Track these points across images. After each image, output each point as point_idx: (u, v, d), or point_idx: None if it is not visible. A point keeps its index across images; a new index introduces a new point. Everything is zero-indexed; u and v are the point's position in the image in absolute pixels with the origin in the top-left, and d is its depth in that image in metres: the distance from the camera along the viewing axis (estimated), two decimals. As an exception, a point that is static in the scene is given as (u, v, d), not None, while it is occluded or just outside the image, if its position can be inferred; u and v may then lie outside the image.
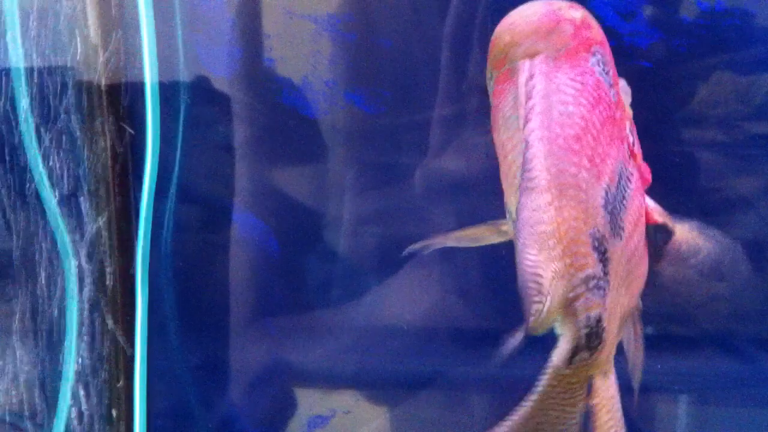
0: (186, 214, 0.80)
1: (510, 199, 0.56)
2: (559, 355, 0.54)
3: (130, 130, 0.77)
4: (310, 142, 0.77)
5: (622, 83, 0.59)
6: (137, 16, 0.74)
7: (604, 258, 0.55)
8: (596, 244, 0.54)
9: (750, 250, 0.71)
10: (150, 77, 0.75)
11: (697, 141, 0.73)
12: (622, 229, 0.56)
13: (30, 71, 0.73)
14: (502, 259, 0.63)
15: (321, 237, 0.79)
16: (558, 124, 0.53)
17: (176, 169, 0.78)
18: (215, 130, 0.78)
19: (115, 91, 0.77)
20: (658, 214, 0.60)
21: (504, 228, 0.61)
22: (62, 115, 0.75)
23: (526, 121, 0.52)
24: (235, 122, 0.77)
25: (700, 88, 0.71)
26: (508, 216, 0.58)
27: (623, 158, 0.57)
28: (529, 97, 0.53)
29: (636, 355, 0.61)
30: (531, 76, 0.53)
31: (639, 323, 0.61)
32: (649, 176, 0.60)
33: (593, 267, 0.53)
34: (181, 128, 0.77)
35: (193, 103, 0.77)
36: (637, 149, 0.59)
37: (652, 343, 0.73)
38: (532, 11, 0.55)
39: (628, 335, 0.60)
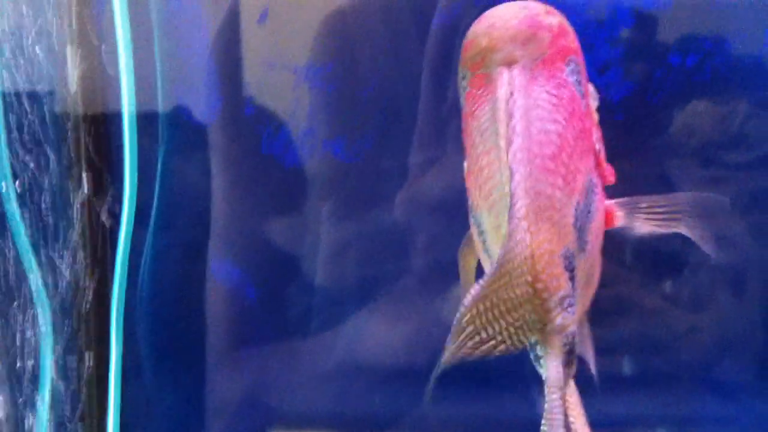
0: (163, 261, 0.80)
1: (482, 212, 0.56)
2: (556, 377, 0.55)
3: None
4: (288, 190, 0.77)
5: (590, 88, 0.59)
6: (117, 65, 0.74)
7: (572, 276, 0.55)
8: (567, 263, 0.55)
9: (728, 280, 0.73)
10: (129, 124, 0.76)
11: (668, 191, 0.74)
12: (587, 242, 0.57)
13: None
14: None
15: (297, 284, 0.79)
16: (537, 144, 0.53)
17: (153, 216, 0.78)
18: (194, 177, 0.79)
19: (93, 140, 0.77)
20: (619, 217, 0.60)
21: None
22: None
23: (509, 143, 0.51)
24: (214, 170, 0.78)
25: (671, 140, 0.73)
26: (474, 226, 0.58)
27: (591, 170, 0.57)
28: (510, 117, 0.52)
29: (588, 352, 0.62)
30: (511, 93, 0.53)
31: (587, 322, 0.62)
32: (612, 177, 0.59)
33: (566, 287, 0.54)
34: (159, 176, 0.77)
35: (173, 150, 0.78)
36: (602, 154, 0.59)
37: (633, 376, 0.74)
38: (511, 15, 0.54)
39: (581, 336, 0.60)
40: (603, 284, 0.61)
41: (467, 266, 0.64)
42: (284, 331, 0.80)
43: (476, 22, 0.56)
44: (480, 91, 0.55)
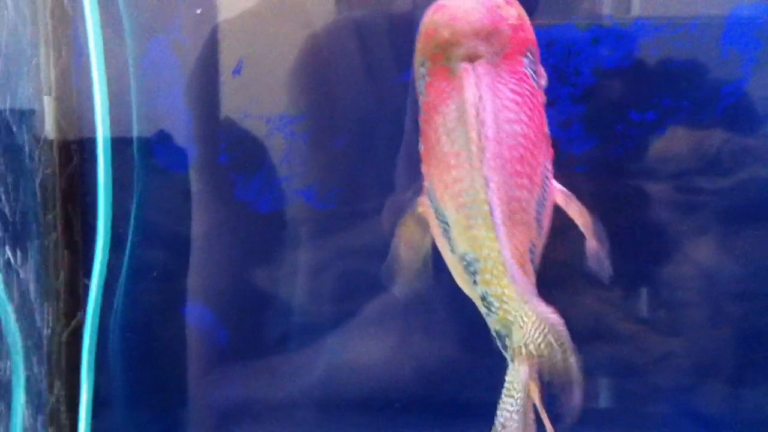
0: (136, 303, 0.80)
1: (446, 206, 0.57)
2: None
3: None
4: (260, 236, 0.79)
5: (540, 69, 0.60)
6: (93, 111, 0.76)
7: (534, 264, 0.58)
8: (532, 256, 0.57)
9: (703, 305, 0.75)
10: (104, 168, 0.77)
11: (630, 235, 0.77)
12: (543, 227, 0.59)
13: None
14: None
15: (269, 328, 0.80)
16: (507, 149, 0.54)
17: (127, 259, 0.79)
18: (167, 222, 0.80)
19: (68, 184, 0.78)
20: (559, 198, 0.61)
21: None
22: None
23: (482, 150, 0.52)
24: (187, 215, 0.79)
25: (631, 191, 0.75)
26: (432, 210, 0.59)
27: (546, 157, 0.59)
28: (482, 123, 0.53)
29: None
30: (480, 96, 0.53)
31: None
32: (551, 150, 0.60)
33: (531, 278, 0.57)
34: (132, 220, 0.79)
35: (147, 196, 0.79)
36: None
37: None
38: (472, 6, 0.54)
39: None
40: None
41: (407, 238, 0.64)
42: (255, 374, 0.81)
43: (435, 8, 0.56)
44: (443, 85, 0.55)
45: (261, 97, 0.77)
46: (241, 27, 0.76)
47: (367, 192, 0.78)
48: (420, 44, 0.57)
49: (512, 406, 0.59)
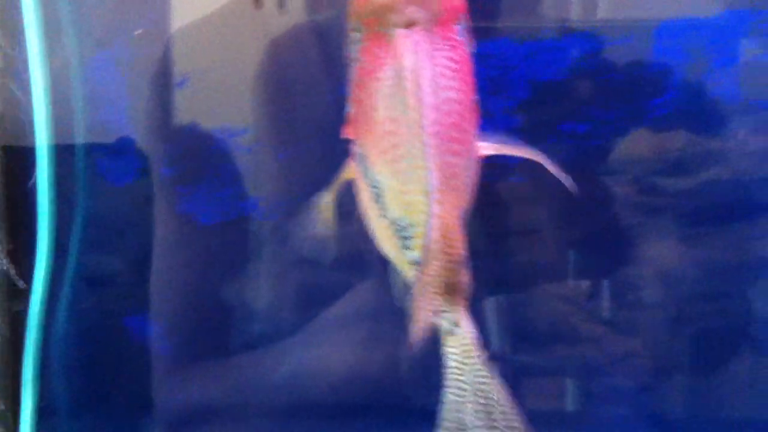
0: (78, 315, 0.81)
1: (381, 172, 0.57)
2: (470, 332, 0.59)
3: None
4: (204, 248, 0.80)
5: (468, 37, 0.60)
6: (34, 126, 0.77)
7: (464, 232, 0.58)
8: (463, 224, 0.58)
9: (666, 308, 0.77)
10: (47, 180, 0.78)
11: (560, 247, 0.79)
12: (471, 192, 0.60)
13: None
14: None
15: (212, 340, 0.81)
16: (444, 116, 0.55)
17: (70, 270, 0.79)
18: (110, 234, 0.81)
19: (8, 198, 0.79)
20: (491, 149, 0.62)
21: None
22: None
23: (421, 117, 0.53)
24: (131, 227, 0.80)
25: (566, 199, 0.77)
26: (362, 177, 0.60)
27: (474, 122, 0.59)
28: (419, 89, 0.53)
29: None
30: (417, 63, 0.54)
31: None
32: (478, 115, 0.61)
33: (463, 247, 0.58)
34: (75, 232, 0.79)
35: (90, 207, 0.79)
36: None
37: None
38: None
39: None
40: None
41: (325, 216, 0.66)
42: (199, 384, 0.82)
43: None
44: (379, 51, 0.56)
45: (205, 109, 0.78)
46: (186, 40, 0.78)
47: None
48: (354, 10, 0.58)
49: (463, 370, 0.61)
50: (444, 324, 0.61)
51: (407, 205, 0.57)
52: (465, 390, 0.60)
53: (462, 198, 0.58)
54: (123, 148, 0.79)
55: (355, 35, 0.58)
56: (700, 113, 0.75)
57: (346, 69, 0.60)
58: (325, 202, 0.66)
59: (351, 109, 0.60)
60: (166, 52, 0.78)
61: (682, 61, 0.74)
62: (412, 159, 0.55)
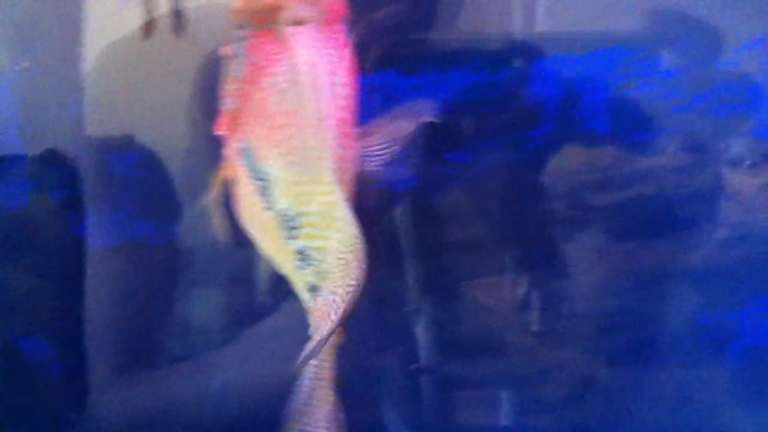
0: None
1: (270, 163, 0.60)
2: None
3: None
4: (96, 271, 0.80)
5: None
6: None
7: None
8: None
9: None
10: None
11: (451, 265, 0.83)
12: (353, 186, 0.63)
13: None
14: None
15: (106, 360, 0.82)
16: (338, 110, 0.59)
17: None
18: (2, 257, 0.81)
19: None
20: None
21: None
22: None
23: (318, 111, 0.57)
24: (23, 251, 0.80)
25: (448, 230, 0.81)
26: (252, 179, 0.61)
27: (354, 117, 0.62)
28: (315, 83, 0.57)
29: None
30: (313, 58, 0.57)
31: None
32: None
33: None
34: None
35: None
36: None
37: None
38: None
39: None
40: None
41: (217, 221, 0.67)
42: (92, 406, 0.82)
43: None
44: (269, 47, 0.58)
45: (98, 134, 0.79)
46: (77, 66, 0.79)
47: (201, 227, 0.80)
48: (241, 7, 0.59)
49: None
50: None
51: (299, 195, 0.60)
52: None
53: (350, 186, 0.62)
54: (14, 172, 0.79)
55: (241, 32, 0.60)
56: (574, 144, 0.80)
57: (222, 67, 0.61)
58: (207, 205, 0.67)
59: (228, 106, 0.61)
60: (59, 76, 0.79)
61: (557, 95, 0.79)
62: (308, 150, 0.59)
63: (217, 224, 0.68)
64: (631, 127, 0.79)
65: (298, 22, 0.58)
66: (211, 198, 0.67)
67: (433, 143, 0.79)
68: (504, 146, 0.79)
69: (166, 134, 0.79)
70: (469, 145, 0.79)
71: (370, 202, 0.76)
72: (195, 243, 0.81)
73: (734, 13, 0.78)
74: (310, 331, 0.63)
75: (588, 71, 0.78)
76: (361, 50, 0.76)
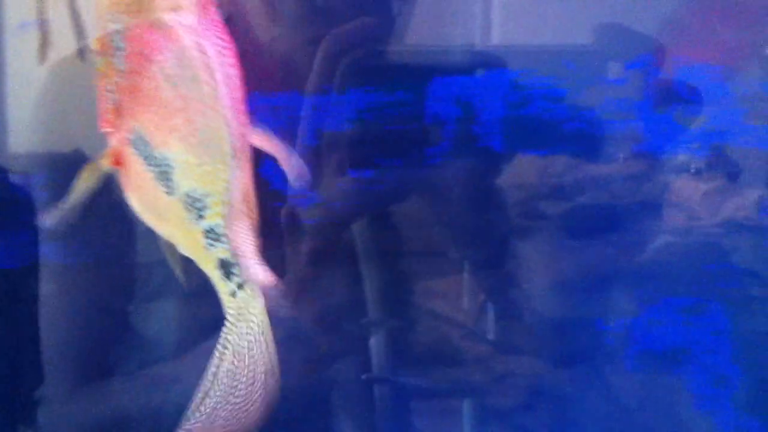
0: None
1: (168, 149, 0.60)
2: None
3: None
4: (4, 292, 0.81)
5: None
6: None
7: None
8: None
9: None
10: None
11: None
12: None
13: None
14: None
15: (20, 384, 0.83)
16: (232, 90, 0.59)
17: None
18: None
19: None
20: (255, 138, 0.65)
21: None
22: None
23: (215, 94, 0.58)
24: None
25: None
26: (147, 166, 0.62)
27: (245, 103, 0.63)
28: (209, 65, 0.58)
29: None
30: (200, 42, 0.58)
31: None
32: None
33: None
34: None
35: None
36: None
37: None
38: None
39: None
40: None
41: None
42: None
43: None
44: (151, 36, 0.58)
45: (5, 156, 0.81)
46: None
47: (112, 245, 0.82)
48: (112, 1, 0.59)
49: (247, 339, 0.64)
50: (230, 284, 0.65)
51: (204, 176, 0.61)
52: (226, 349, 0.64)
53: (248, 167, 0.63)
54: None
55: (117, 26, 0.60)
56: (469, 161, 0.83)
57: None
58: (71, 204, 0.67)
59: (109, 102, 0.62)
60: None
61: (453, 114, 0.82)
62: (209, 131, 0.60)
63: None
64: (525, 144, 0.83)
65: (175, 8, 0.58)
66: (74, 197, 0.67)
67: (337, 161, 0.82)
68: (403, 163, 0.82)
69: (68, 156, 0.80)
70: (370, 162, 0.82)
71: (275, 220, 0.78)
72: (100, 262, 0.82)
73: (619, 33, 0.83)
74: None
75: (482, 92, 0.82)
76: (264, 70, 0.79)
